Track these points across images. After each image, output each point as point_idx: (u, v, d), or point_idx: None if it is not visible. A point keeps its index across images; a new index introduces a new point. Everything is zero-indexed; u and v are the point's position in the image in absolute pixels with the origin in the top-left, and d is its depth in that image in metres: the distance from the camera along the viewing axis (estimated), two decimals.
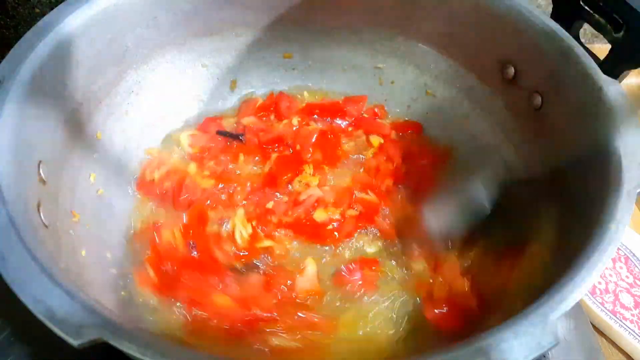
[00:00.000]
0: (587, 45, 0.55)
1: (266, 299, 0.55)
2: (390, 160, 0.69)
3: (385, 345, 0.53)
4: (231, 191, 0.64)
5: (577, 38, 0.57)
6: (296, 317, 0.54)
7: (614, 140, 0.45)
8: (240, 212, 0.62)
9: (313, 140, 0.70)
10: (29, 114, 0.45)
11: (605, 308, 0.63)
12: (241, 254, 0.59)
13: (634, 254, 0.69)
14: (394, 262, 0.60)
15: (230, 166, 0.68)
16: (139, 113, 0.65)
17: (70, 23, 0.51)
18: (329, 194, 0.65)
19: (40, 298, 0.32)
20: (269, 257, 0.60)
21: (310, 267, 0.59)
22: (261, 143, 0.69)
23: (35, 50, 0.47)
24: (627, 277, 0.67)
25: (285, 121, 0.72)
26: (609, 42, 0.59)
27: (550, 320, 0.34)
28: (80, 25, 0.52)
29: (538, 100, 0.57)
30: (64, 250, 0.45)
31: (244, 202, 0.64)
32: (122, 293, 0.53)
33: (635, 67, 0.59)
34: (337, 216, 0.63)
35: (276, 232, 0.62)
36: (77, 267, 0.46)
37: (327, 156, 0.69)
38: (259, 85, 0.75)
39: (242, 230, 0.60)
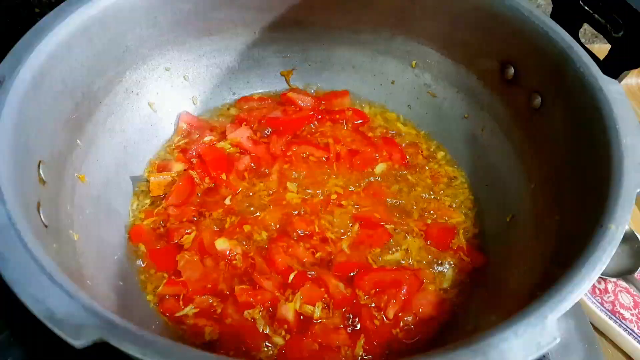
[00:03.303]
0: (587, 45, 0.55)
1: None
2: None
3: None
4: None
5: (577, 38, 0.57)
6: None
7: (614, 141, 0.45)
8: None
9: None
10: (29, 114, 0.45)
11: (605, 308, 0.63)
12: None
13: None
14: None
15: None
16: (139, 113, 0.65)
17: (70, 23, 0.51)
18: None
19: (40, 298, 0.32)
20: None
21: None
22: None
23: (35, 50, 0.47)
24: None
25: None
26: (609, 42, 0.59)
27: (550, 320, 0.34)
28: (80, 25, 0.52)
29: (538, 100, 0.57)
30: (64, 250, 0.45)
31: None
32: (122, 293, 0.53)
33: (635, 67, 0.59)
34: None
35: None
36: (77, 267, 0.46)
37: None
38: (258, 86, 0.76)
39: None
